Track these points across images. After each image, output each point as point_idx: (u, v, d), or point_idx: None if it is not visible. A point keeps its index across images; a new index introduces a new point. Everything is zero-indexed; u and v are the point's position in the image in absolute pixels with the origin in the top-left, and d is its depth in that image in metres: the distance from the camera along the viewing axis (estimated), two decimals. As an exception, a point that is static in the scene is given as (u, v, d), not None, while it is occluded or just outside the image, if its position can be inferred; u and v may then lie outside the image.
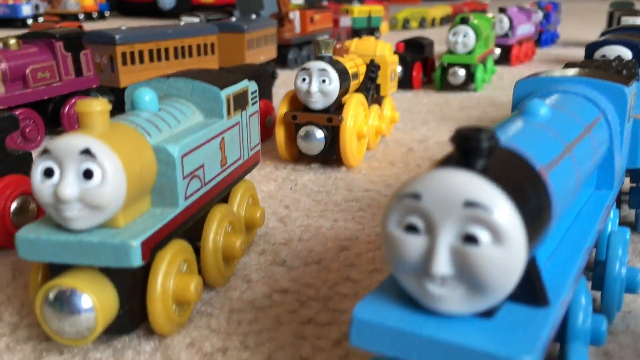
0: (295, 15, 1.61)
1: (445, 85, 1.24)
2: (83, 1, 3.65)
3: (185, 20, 1.50)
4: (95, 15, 3.73)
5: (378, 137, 0.83)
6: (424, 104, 1.12)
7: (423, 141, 0.86)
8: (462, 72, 1.21)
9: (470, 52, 1.21)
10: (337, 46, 0.75)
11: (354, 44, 0.88)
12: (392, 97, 1.06)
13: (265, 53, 1.27)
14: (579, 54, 1.85)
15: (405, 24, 2.87)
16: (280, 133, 0.74)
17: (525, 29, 1.64)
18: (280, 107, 0.74)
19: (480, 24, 1.24)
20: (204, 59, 1.07)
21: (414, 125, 0.95)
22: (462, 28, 1.20)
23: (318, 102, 0.71)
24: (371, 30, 2.28)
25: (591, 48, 0.76)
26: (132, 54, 0.94)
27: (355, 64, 0.77)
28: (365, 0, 2.69)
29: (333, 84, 0.70)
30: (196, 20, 1.49)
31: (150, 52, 0.97)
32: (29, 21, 3.07)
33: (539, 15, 1.94)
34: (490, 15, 1.35)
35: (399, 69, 1.24)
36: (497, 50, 1.59)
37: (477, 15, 1.31)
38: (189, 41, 1.03)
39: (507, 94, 1.20)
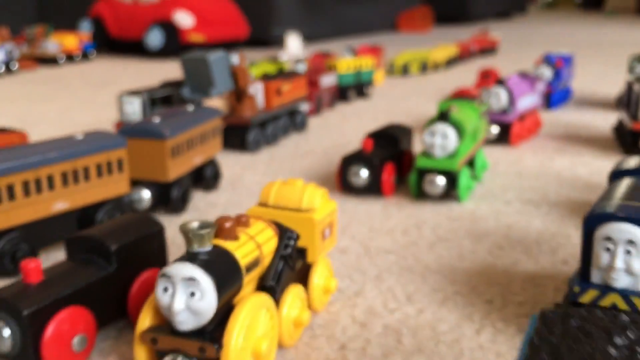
0: (256, 89, 1.39)
1: (423, 192, 1.00)
2: (64, 42, 3.48)
3: (125, 100, 1.29)
4: (78, 57, 3.54)
5: (298, 331, 0.60)
6: (387, 230, 0.88)
7: (365, 325, 0.63)
8: (441, 180, 0.98)
9: (451, 155, 0.98)
10: (226, 225, 0.52)
11: (275, 190, 0.65)
12: (349, 211, 0.83)
13: (203, 153, 1.05)
14: (594, 121, 1.61)
15: (405, 70, 2.64)
16: (140, 354, 0.51)
17: (528, 101, 1.41)
18: (140, 319, 0.51)
19: (464, 118, 1.01)
20: (108, 179, 0.85)
21: (362, 285, 0.72)
22: (440, 128, 0.97)
23: (186, 322, 0.48)
24: (360, 87, 2.06)
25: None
26: (-4, 190, 0.72)
27: (255, 245, 0.54)
28: (359, 48, 2.47)
29: (207, 299, 0.47)
30: (135, 101, 1.28)
31: (25, 184, 0.75)
32: (1, 69, 2.89)
33: (546, 77, 1.70)
34: (478, 102, 1.11)
35: (364, 173, 1.01)
36: (494, 129, 1.35)
37: (462, 104, 1.08)
38: (83, 162, 0.81)
39: (497, 209, 0.96)
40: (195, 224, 0.49)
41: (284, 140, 1.47)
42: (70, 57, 3.50)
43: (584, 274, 0.53)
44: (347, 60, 2.00)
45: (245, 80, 1.35)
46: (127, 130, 0.93)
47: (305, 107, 1.63)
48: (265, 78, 1.46)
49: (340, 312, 0.66)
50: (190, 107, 1.07)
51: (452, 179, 0.98)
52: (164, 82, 1.45)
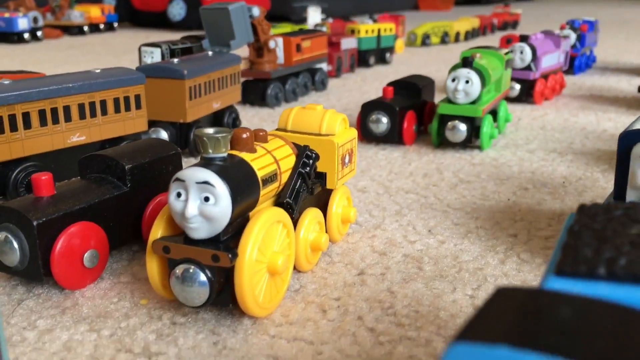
0: (277, 44, 1.37)
1: (444, 140, 0.98)
2: (89, 12, 3.48)
3: (144, 50, 1.28)
4: (102, 26, 3.55)
5: (316, 256, 0.59)
6: (408, 174, 0.86)
7: (384, 254, 0.61)
8: (463, 127, 0.95)
9: (474, 102, 0.95)
10: (244, 135, 0.51)
11: (294, 114, 0.63)
12: (369, 157, 0.81)
13: (222, 99, 1.03)
14: (618, 84, 1.57)
15: (425, 40, 2.60)
16: (152, 265, 0.50)
17: (552, 59, 1.37)
18: (152, 229, 0.50)
19: (488, 65, 0.98)
20: (125, 116, 0.84)
21: (381, 219, 0.70)
22: (464, 72, 0.94)
23: (199, 230, 0.46)
24: (382, 52, 2.02)
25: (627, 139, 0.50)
26: (12, 118, 0.71)
27: (272, 160, 0.53)
28: (379, 17, 2.43)
29: (221, 204, 0.45)
30: (155, 51, 1.27)
31: (42, 114, 0.74)
32: (26, 35, 2.89)
33: (571, 39, 1.66)
34: (504, 51, 1.08)
35: (384, 119, 0.99)
36: (517, 86, 1.32)
37: (486, 52, 1.05)
38: (100, 95, 0.80)
39: (520, 156, 0.93)
40: (211, 130, 0.47)
41: (304, 97, 1.45)
42: (94, 27, 3.50)
43: (618, 193, 0.50)
44: (367, 25, 1.97)
45: (266, 33, 1.33)
46: (146, 69, 0.91)
47: (325, 66, 1.61)
48: (287, 34, 1.43)
49: (359, 242, 0.64)
50: (210, 52, 1.05)
51: (474, 126, 0.96)
52: (185, 35, 1.43)
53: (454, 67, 0.97)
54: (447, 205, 0.74)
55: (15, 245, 0.52)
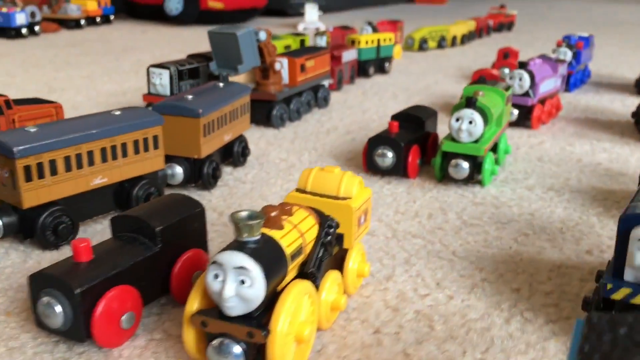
0: (282, 65, 1.40)
1: (447, 174, 1.02)
2: (86, 5, 3.48)
3: (153, 72, 1.31)
4: (99, 19, 3.55)
5: (335, 314, 0.63)
6: (413, 214, 0.91)
7: (397, 310, 0.65)
8: (465, 165, 1.00)
9: (477, 140, 1.00)
10: (273, 214, 0.55)
11: (313, 176, 0.67)
12: (375, 193, 0.85)
13: (233, 130, 1.06)
14: (612, 104, 1.61)
15: (423, 44, 2.63)
16: (189, 335, 0.54)
17: (549, 84, 1.42)
18: (188, 302, 0.54)
19: (490, 103, 1.02)
20: (144, 156, 0.87)
21: (392, 270, 0.74)
22: (467, 113, 0.98)
23: (235, 308, 0.50)
24: (381, 61, 2.06)
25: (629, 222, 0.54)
26: (39, 166, 0.75)
27: (298, 234, 0.57)
28: (378, 23, 2.46)
29: (256, 287, 0.49)
30: (164, 73, 1.30)
31: (67, 160, 0.77)
32: (24, 30, 2.89)
33: (568, 59, 1.70)
34: (503, 86, 1.12)
35: (389, 154, 1.03)
36: (515, 112, 1.36)
37: (488, 89, 1.09)
38: (121, 138, 0.84)
39: (519, 194, 0.98)
40: (244, 214, 0.51)
41: (307, 116, 1.49)
42: (91, 20, 3.50)
43: (616, 271, 0.55)
44: (367, 36, 2.00)
45: (272, 56, 1.36)
46: (161, 107, 0.94)
47: (327, 82, 1.64)
48: (291, 54, 1.47)
49: (373, 296, 0.68)
50: (220, 84, 1.08)
51: (476, 163, 1.00)
52: (191, 54, 1.46)
53: (457, 107, 1.01)
54: (453, 253, 0.78)
55: (58, 310, 0.56)
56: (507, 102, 1.11)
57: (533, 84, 1.35)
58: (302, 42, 1.96)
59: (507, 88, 1.12)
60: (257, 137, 1.29)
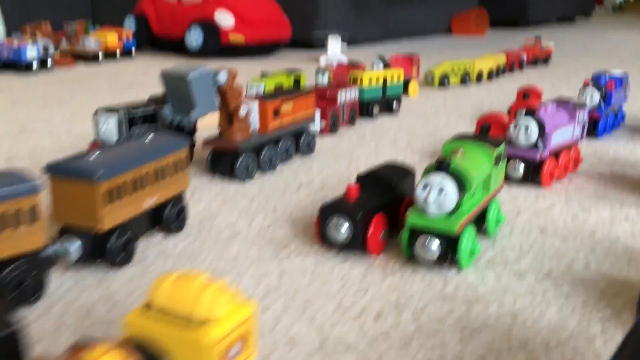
0: (249, 109, 1.22)
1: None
2: (106, 38, 3.41)
3: (100, 119, 1.15)
4: (118, 54, 3.47)
5: None
6: (357, 313, 0.70)
7: None
8: (435, 244, 0.79)
9: (451, 214, 0.79)
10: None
11: (166, 287, 0.48)
12: (320, 276, 0.65)
13: (161, 192, 0.88)
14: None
15: (444, 80, 2.43)
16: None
17: (564, 134, 1.19)
18: None
19: (471, 165, 0.82)
20: (16, 233, 0.69)
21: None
22: (436, 180, 0.78)
23: None
24: (388, 100, 1.86)
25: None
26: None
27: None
28: (392, 58, 2.27)
29: None
30: (111, 120, 1.13)
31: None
32: (34, 65, 2.81)
33: (594, 99, 1.48)
34: (488, 146, 0.90)
35: (345, 225, 0.83)
36: (521, 167, 1.14)
37: (471, 146, 0.88)
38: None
39: (504, 285, 0.76)
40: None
41: (285, 166, 1.30)
42: (111, 55, 3.43)
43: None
44: (371, 73, 1.81)
45: (236, 100, 1.18)
46: (53, 168, 0.77)
47: (314, 127, 1.46)
48: (264, 97, 1.29)
49: None
50: (148, 137, 0.91)
51: (451, 241, 0.79)
52: (153, 97, 1.30)
53: (427, 170, 0.80)
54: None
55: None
56: (497, 161, 0.90)
57: (543, 134, 1.13)
58: (297, 79, 1.78)
59: (498, 144, 0.90)
60: (214, 194, 1.11)
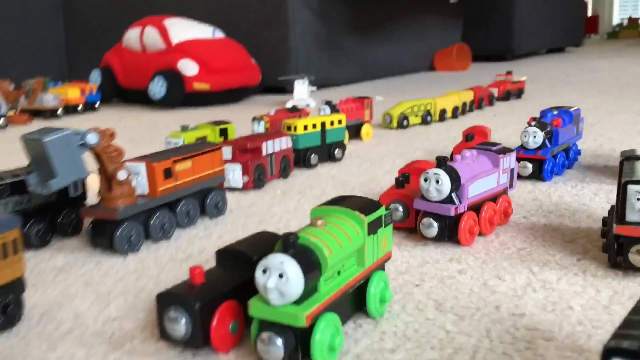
0: (138, 172, 1.09)
1: (273, 347, 0.67)
2: (67, 93, 3.33)
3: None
4: (80, 107, 3.39)
5: None
6: None
7: None
8: (279, 342, 0.64)
9: (300, 302, 0.64)
10: None
11: None
12: None
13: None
14: (592, 202, 1.23)
15: (402, 122, 2.30)
16: None
17: (487, 183, 1.05)
18: None
19: (330, 238, 0.67)
20: None
21: None
22: (275, 263, 0.63)
23: None
24: (329, 147, 1.73)
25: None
26: None
27: None
28: (340, 102, 2.15)
29: None
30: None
31: None
32: (-12, 123, 2.73)
33: (537, 141, 1.34)
34: (362, 216, 0.77)
35: (182, 319, 0.69)
36: (435, 225, 1.00)
37: (340, 213, 0.74)
38: None
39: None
40: None
41: (183, 232, 1.16)
42: (72, 109, 3.36)
43: None
44: (307, 119, 1.68)
45: (113, 163, 1.05)
46: None
47: (235, 184, 1.33)
48: (154, 156, 1.16)
49: None
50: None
51: (304, 335, 0.65)
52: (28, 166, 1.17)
53: (277, 248, 0.66)
54: None
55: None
56: (374, 229, 0.76)
57: (458, 186, 0.99)
58: (224, 131, 1.66)
59: (373, 209, 0.76)
60: (82, 273, 0.97)
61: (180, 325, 0.69)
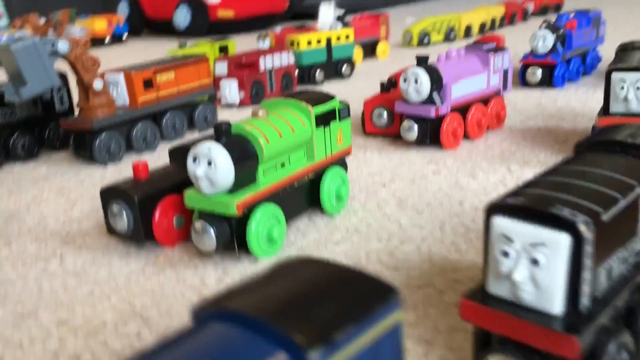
0: (116, 82, 1.08)
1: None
2: (93, 25, 3.32)
3: None
4: (107, 39, 3.39)
5: None
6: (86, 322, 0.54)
7: None
8: (211, 232, 0.62)
9: (232, 191, 0.62)
10: None
11: None
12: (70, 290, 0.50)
13: None
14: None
15: (423, 39, 2.21)
16: None
17: (473, 84, 0.99)
18: None
19: (269, 127, 0.64)
20: None
21: None
22: (204, 150, 0.61)
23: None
24: (336, 64, 1.68)
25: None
26: None
27: None
28: (354, 18, 2.07)
29: None
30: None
31: None
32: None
33: (548, 45, 1.26)
34: (309, 107, 0.73)
35: (124, 212, 0.67)
36: (415, 127, 0.95)
37: (286, 105, 0.70)
38: None
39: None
40: None
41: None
42: (100, 41, 3.36)
43: None
44: (311, 34, 1.63)
45: (90, 71, 1.03)
46: None
47: (231, 99, 1.31)
48: (136, 66, 1.13)
49: None
50: None
51: (239, 225, 0.63)
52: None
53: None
54: None
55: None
56: (323, 122, 0.72)
57: (438, 86, 0.94)
58: (224, 48, 1.62)
59: (322, 101, 0.72)
60: (58, 182, 0.97)
61: (122, 219, 0.68)
